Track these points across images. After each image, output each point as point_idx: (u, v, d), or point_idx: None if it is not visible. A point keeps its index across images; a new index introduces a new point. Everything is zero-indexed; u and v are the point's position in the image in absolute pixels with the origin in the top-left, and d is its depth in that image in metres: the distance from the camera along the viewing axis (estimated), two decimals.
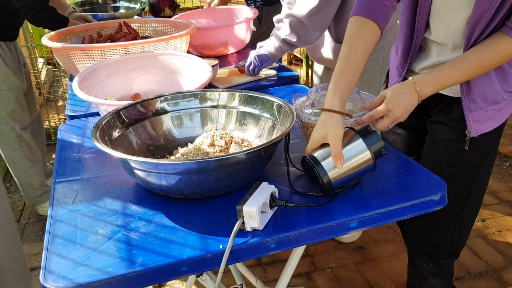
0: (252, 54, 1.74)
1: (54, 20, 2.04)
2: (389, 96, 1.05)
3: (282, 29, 1.67)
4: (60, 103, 3.63)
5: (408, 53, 1.21)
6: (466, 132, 1.15)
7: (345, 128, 1.02)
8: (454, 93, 1.16)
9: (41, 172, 2.44)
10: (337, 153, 0.95)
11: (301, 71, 4.29)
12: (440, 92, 1.18)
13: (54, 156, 3.08)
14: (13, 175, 2.40)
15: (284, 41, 1.67)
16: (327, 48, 1.82)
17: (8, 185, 2.79)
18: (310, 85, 4.19)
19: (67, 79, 3.56)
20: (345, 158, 0.96)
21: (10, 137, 2.27)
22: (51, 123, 3.26)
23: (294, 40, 1.65)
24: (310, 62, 4.11)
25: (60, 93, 3.72)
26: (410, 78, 1.07)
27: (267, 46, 1.72)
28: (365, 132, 0.99)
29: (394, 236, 2.14)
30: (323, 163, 0.96)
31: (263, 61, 1.72)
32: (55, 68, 3.65)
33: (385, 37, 1.70)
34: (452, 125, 1.18)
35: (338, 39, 1.77)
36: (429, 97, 1.20)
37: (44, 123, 2.85)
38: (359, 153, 0.97)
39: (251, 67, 1.73)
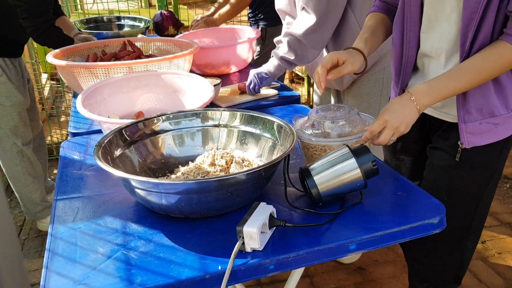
0: (252, 73, 1.76)
1: (59, 40, 2.07)
2: (385, 108, 1.07)
3: (280, 48, 1.70)
4: (62, 118, 3.66)
5: (400, 69, 1.23)
6: (459, 142, 1.14)
7: (342, 145, 1.06)
8: (452, 118, 1.16)
9: (42, 187, 2.44)
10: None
11: (302, 90, 4.32)
12: (439, 117, 1.19)
13: (55, 171, 3.09)
14: (14, 190, 2.41)
15: (283, 59, 1.70)
16: None
17: (8, 200, 2.80)
18: (311, 104, 4.21)
19: (70, 95, 3.59)
20: (336, 173, 1.00)
21: (12, 153, 2.28)
22: (53, 139, 3.28)
23: (292, 58, 1.67)
24: (312, 81, 4.15)
25: (63, 108, 3.74)
26: (407, 90, 1.08)
27: (267, 65, 1.75)
28: (358, 151, 1.02)
29: (394, 257, 2.13)
30: (314, 176, 1.01)
31: (263, 79, 1.74)
32: (59, 83, 3.68)
33: (384, 59, 1.73)
34: (450, 151, 1.17)
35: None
36: (430, 121, 1.20)
37: (46, 138, 2.87)
38: (350, 170, 1.00)
39: (251, 86, 1.75)
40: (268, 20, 2.53)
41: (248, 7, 2.63)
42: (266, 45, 2.51)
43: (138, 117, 1.52)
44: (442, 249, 1.26)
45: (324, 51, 1.81)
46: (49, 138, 3.22)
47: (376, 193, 1.08)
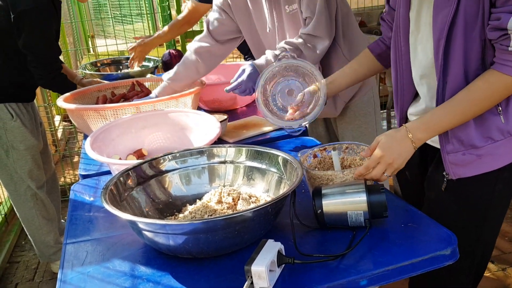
0: (244, 72, 1.63)
1: (64, 86, 2.14)
2: (382, 142, 1.07)
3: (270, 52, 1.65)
4: (75, 159, 3.71)
5: (397, 94, 1.25)
6: (444, 173, 1.13)
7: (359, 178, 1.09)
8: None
9: (55, 229, 2.46)
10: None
11: None
12: (433, 145, 1.19)
13: None
14: (27, 233, 2.42)
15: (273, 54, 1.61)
16: None
17: (23, 242, 2.81)
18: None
19: (82, 135, 3.65)
20: (344, 203, 1.02)
21: (26, 196, 2.31)
22: (66, 179, 3.32)
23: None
24: None
25: (75, 149, 3.80)
26: (404, 125, 1.08)
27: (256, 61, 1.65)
28: (372, 189, 1.03)
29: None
30: (323, 199, 1.04)
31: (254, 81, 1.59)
32: (71, 125, 3.75)
33: (368, 81, 1.75)
34: (440, 181, 1.16)
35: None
36: (427, 151, 1.20)
37: (59, 179, 2.91)
38: (357, 204, 1.01)
39: (239, 80, 1.62)
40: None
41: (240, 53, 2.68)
42: None
43: (138, 154, 1.54)
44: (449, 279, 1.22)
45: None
46: (62, 179, 3.26)
47: (386, 225, 1.06)
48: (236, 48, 2.57)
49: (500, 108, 1.05)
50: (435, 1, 1.03)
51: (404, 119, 1.27)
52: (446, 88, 1.06)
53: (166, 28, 2.76)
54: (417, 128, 1.06)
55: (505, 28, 0.94)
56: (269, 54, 1.64)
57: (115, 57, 3.16)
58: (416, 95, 1.24)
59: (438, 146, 1.15)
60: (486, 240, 1.20)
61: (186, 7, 2.71)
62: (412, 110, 1.24)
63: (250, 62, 1.66)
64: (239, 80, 1.63)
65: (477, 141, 1.08)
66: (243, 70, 1.63)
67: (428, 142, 1.20)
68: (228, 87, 1.66)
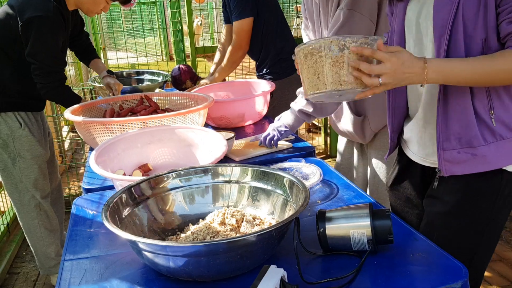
0: (271, 127, 1.77)
1: (66, 98, 2.13)
2: (401, 52, 1.01)
3: (299, 100, 1.71)
4: (81, 170, 3.70)
5: (389, 112, 1.29)
6: (436, 169, 1.16)
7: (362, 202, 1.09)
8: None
9: (57, 241, 2.43)
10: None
11: (319, 139, 4.31)
12: (431, 165, 1.21)
13: None
14: (29, 243, 2.40)
15: (301, 112, 1.70)
16: (346, 120, 1.83)
17: (24, 253, 2.79)
18: (328, 153, 4.18)
19: (89, 147, 3.65)
20: (348, 228, 1.01)
21: (30, 206, 2.29)
22: (71, 191, 3.30)
23: (311, 110, 1.68)
24: (329, 130, 4.14)
25: (82, 160, 3.80)
26: (425, 57, 1.03)
27: (285, 117, 1.75)
28: (378, 213, 1.01)
29: None
30: (326, 223, 1.03)
31: (282, 132, 1.74)
32: (79, 136, 3.76)
33: None
34: (440, 196, 1.18)
35: (357, 112, 1.78)
36: (429, 172, 1.24)
37: (64, 190, 2.90)
38: (361, 228, 1.00)
39: (269, 137, 1.75)
40: (273, 74, 2.55)
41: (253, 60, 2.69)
42: (274, 98, 2.50)
43: (143, 169, 1.53)
44: None
45: (345, 103, 1.81)
46: (67, 190, 3.25)
47: (394, 253, 1.02)
48: (247, 54, 2.60)
49: (493, 112, 1.09)
50: (435, 6, 1.06)
51: (396, 132, 1.33)
52: (448, 87, 1.10)
53: (216, 59, 2.77)
54: (434, 68, 1.02)
55: None
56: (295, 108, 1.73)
57: (125, 70, 3.17)
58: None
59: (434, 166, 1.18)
60: (482, 254, 1.20)
61: (222, 33, 2.78)
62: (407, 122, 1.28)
63: (282, 123, 1.75)
64: (274, 138, 1.75)
65: (474, 140, 1.11)
66: (279, 132, 1.74)
67: (428, 164, 1.23)
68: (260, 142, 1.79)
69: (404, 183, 1.36)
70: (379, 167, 1.80)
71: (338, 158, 2.05)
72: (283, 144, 1.80)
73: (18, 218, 2.36)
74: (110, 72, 2.45)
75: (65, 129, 3.88)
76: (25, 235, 2.39)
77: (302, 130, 4.51)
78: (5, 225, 2.84)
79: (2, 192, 2.84)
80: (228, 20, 2.67)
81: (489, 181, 1.14)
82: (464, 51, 1.06)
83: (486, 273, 2.34)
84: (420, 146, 1.25)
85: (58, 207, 2.58)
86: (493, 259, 2.45)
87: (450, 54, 1.07)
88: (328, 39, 1.02)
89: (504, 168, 1.13)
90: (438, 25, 1.06)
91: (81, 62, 4.12)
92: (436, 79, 1.04)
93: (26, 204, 2.29)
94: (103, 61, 4.97)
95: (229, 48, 2.51)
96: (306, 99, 1.63)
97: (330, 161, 3.99)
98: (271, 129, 1.76)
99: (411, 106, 1.27)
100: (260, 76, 2.62)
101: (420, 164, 1.27)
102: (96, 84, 2.74)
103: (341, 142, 2.02)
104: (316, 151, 4.08)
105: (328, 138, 4.16)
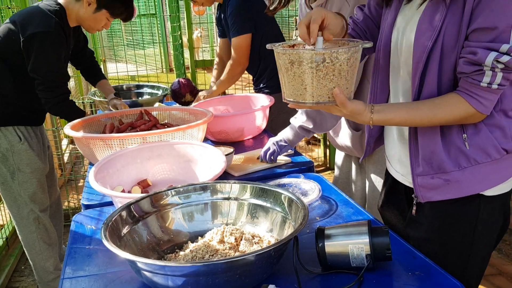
0: (271, 141, 1.77)
1: (70, 113, 2.14)
2: (351, 108, 1.06)
3: (298, 116, 1.72)
4: (81, 183, 3.70)
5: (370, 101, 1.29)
6: (413, 195, 1.15)
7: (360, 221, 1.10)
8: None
9: (56, 255, 2.43)
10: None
11: (318, 151, 4.32)
12: (411, 186, 1.18)
13: None
14: (28, 257, 2.39)
15: (301, 128, 1.72)
16: (344, 135, 1.84)
17: (22, 267, 2.78)
18: (328, 165, 4.19)
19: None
20: (346, 244, 1.02)
21: (29, 220, 2.29)
22: (70, 204, 3.30)
23: (311, 127, 1.70)
24: (328, 143, 4.15)
25: (81, 173, 3.79)
26: (372, 105, 1.09)
27: (285, 132, 1.76)
28: (376, 230, 1.03)
29: None
30: (325, 240, 1.04)
31: (282, 147, 1.75)
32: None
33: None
34: (420, 221, 1.17)
35: (356, 127, 1.79)
36: (411, 192, 1.22)
37: (63, 204, 2.89)
38: (360, 245, 1.01)
39: (269, 152, 1.75)
40: (271, 88, 2.55)
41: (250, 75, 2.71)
42: (272, 111, 2.50)
43: (143, 185, 1.53)
44: None
45: (343, 120, 1.82)
46: (66, 203, 3.24)
47: (393, 271, 1.03)
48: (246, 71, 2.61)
49: (465, 136, 1.07)
50: (418, 24, 1.06)
51: (374, 137, 1.34)
52: None
53: (217, 73, 2.80)
54: (377, 119, 1.08)
55: (481, 64, 0.96)
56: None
57: (125, 83, 3.18)
58: None
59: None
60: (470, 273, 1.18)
61: (218, 47, 2.83)
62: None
63: (282, 138, 1.77)
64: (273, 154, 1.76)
65: (446, 165, 1.09)
66: (279, 147, 1.76)
67: (410, 185, 1.21)
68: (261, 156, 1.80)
69: (391, 205, 1.34)
70: (378, 182, 1.80)
71: (337, 172, 2.06)
72: (281, 159, 1.81)
73: (17, 232, 2.35)
74: (116, 95, 2.47)
75: (64, 141, 3.89)
76: (24, 249, 2.38)
77: (301, 142, 4.52)
78: (4, 239, 2.83)
79: (1, 205, 2.84)
80: (223, 35, 2.69)
81: (466, 206, 1.11)
82: (437, 78, 1.05)
83: (485, 287, 2.33)
84: (401, 164, 1.23)
85: (57, 221, 2.58)
86: (492, 273, 2.45)
87: (425, 80, 1.06)
88: (320, 51, 1.01)
89: (481, 192, 1.10)
90: (417, 52, 1.05)
91: (81, 77, 4.17)
92: (380, 123, 1.10)
93: (25, 217, 2.29)
94: (103, 72, 5.01)
95: (229, 63, 2.53)
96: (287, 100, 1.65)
97: (329, 173, 3.99)
98: (271, 143, 1.77)
99: None
100: (257, 90, 2.63)
101: (403, 184, 1.25)
102: (96, 98, 2.75)
103: (339, 156, 2.03)
104: (316, 163, 4.10)
105: (328, 150, 4.17)
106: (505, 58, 0.94)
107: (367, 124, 1.13)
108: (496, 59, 0.94)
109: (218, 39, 2.88)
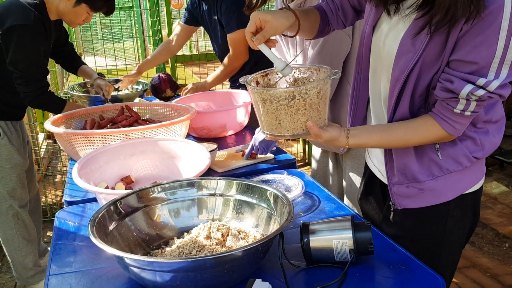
0: (256, 141, 1.76)
1: (50, 105, 2.13)
2: (326, 135, 1.08)
3: None
4: (58, 178, 3.65)
5: (351, 111, 1.31)
6: (390, 203, 1.19)
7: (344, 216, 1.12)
8: None
9: (35, 251, 2.40)
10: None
11: (298, 146, 4.37)
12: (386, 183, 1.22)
13: (49, 233, 3.04)
14: (6, 253, 2.36)
15: None
16: None
17: (0, 264, 2.73)
18: (307, 161, 4.24)
19: (66, 154, 3.60)
20: (330, 239, 1.05)
21: (8, 215, 2.26)
22: (47, 199, 3.25)
23: None
24: (307, 139, 4.19)
25: (58, 168, 3.74)
26: (348, 129, 1.12)
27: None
28: (359, 225, 1.06)
29: None
30: (310, 235, 1.07)
31: (268, 145, 1.75)
32: (55, 143, 3.71)
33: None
34: (394, 220, 1.20)
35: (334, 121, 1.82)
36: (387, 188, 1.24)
37: (41, 199, 2.85)
38: (343, 240, 1.04)
39: (253, 151, 1.77)
40: None
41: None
42: (253, 107, 2.52)
43: (126, 181, 1.53)
44: None
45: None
46: (43, 199, 3.19)
47: (375, 266, 1.06)
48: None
49: (438, 146, 1.10)
50: (400, 43, 1.05)
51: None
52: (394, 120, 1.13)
53: (156, 52, 2.79)
54: (352, 143, 1.11)
55: (457, 94, 0.98)
56: None
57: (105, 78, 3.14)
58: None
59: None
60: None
61: (175, 30, 2.76)
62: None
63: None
64: (253, 146, 1.77)
65: (419, 175, 1.13)
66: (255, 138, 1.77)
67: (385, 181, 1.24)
68: (246, 155, 1.80)
69: (369, 196, 1.37)
70: (355, 176, 1.84)
71: (314, 165, 2.07)
72: (265, 156, 1.82)
73: None
74: (100, 75, 2.45)
75: (41, 136, 3.82)
76: (3, 245, 2.35)
77: None
78: None
79: None
80: (190, 22, 2.66)
81: (437, 205, 1.15)
82: (411, 95, 1.07)
83: (459, 280, 2.42)
84: (378, 161, 1.27)
85: (36, 216, 2.54)
86: (466, 265, 2.54)
87: (402, 96, 1.08)
88: (289, 89, 1.04)
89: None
90: (397, 71, 1.06)
91: (57, 71, 4.10)
92: (355, 146, 1.14)
93: (3, 213, 2.26)
94: None
95: (227, 58, 2.50)
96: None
97: (308, 168, 4.04)
98: (257, 143, 1.76)
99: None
100: (234, 86, 2.62)
101: (379, 179, 1.29)
102: (75, 93, 2.72)
103: (317, 150, 2.05)
104: None
105: (307, 146, 4.22)
106: (480, 92, 0.95)
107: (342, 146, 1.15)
108: (471, 92, 0.96)
109: (197, 34, 2.84)
